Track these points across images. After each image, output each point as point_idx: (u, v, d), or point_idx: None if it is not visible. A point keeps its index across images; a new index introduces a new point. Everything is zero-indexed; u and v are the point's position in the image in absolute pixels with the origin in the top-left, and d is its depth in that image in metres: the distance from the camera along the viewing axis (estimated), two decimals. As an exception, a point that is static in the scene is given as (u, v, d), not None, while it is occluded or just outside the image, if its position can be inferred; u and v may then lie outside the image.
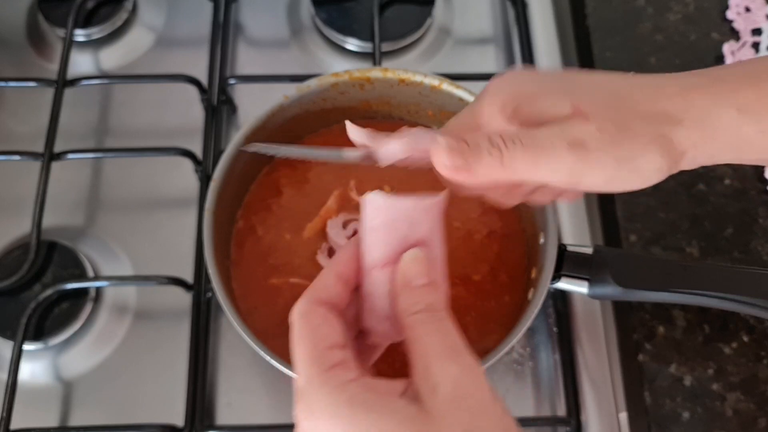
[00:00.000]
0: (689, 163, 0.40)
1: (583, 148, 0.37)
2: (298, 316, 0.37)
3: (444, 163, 0.37)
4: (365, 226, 0.38)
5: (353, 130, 0.41)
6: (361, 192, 0.59)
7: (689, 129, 0.38)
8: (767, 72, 0.39)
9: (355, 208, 0.59)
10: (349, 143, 0.63)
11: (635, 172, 0.38)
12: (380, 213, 0.38)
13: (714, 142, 0.39)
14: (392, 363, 0.48)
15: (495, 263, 0.58)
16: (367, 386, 0.33)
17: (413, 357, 0.35)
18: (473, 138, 0.37)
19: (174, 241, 0.65)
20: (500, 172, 0.37)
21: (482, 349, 0.54)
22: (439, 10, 0.76)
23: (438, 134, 0.38)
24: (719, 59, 0.68)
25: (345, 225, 0.58)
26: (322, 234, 0.58)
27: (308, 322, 0.36)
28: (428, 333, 0.35)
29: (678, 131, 0.38)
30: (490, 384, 0.34)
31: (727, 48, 0.68)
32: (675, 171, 0.39)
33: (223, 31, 0.74)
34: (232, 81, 0.70)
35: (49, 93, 0.69)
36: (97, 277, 0.63)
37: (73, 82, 0.69)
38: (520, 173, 0.37)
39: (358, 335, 0.40)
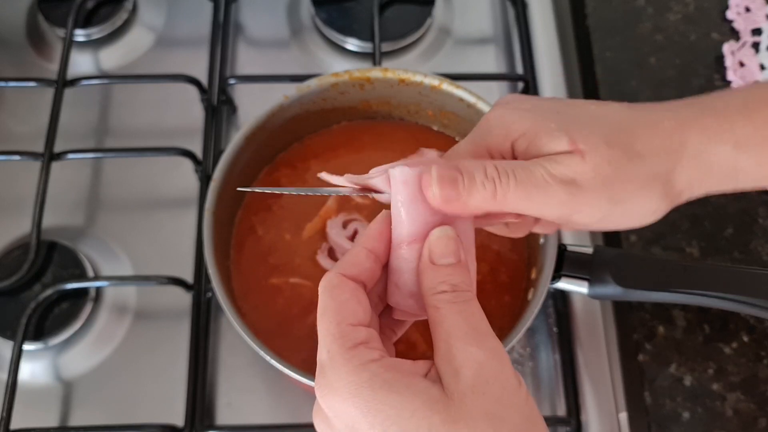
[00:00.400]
0: (685, 199, 0.40)
1: (576, 187, 0.37)
2: (326, 288, 0.35)
3: (434, 194, 0.36)
4: (393, 202, 0.37)
5: (333, 179, 0.40)
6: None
7: (686, 167, 0.38)
8: (761, 102, 0.39)
9: (355, 207, 0.59)
10: (348, 144, 0.63)
11: (629, 212, 0.38)
12: (406, 187, 0.37)
13: (710, 178, 0.39)
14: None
15: (495, 263, 0.58)
16: (389, 366, 0.32)
17: (436, 338, 0.34)
18: (468, 168, 0.37)
19: (174, 241, 0.65)
20: (492, 205, 0.37)
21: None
22: (439, 10, 0.76)
23: (433, 163, 0.37)
24: (719, 59, 0.68)
25: (345, 225, 0.58)
26: (322, 234, 0.58)
27: (336, 297, 0.35)
28: (452, 314, 0.34)
29: (676, 171, 0.38)
30: (514, 369, 0.34)
31: (727, 48, 0.68)
32: (670, 209, 0.39)
33: (223, 31, 0.74)
34: (232, 81, 0.70)
35: (49, 93, 0.69)
36: (97, 277, 0.63)
37: (73, 82, 0.69)
38: (512, 207, 0.37)
39: (384, 311, 0.39)
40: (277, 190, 0.41)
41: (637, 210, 0.38)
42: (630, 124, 0.39)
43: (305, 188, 0.41)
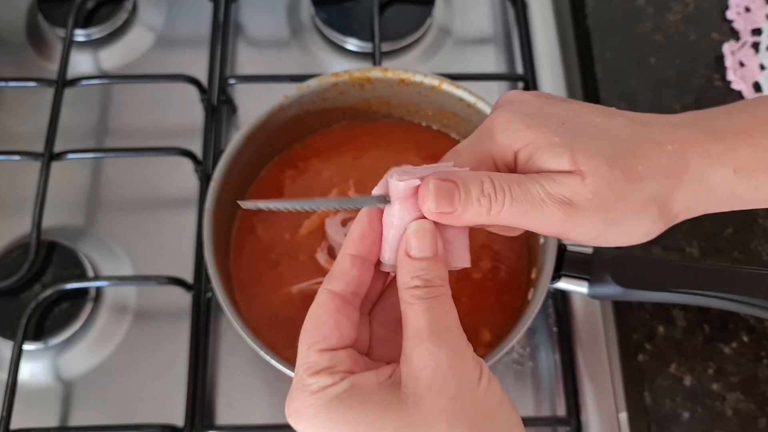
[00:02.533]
0: (680, 220, 0.40)
1: (573, 208, 0.37)
2: (312, 306, 0.37)
3: (430, 209, 0.36)
4: (387, 210, 0.37)
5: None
6: (360, 191, 0.59)
7: (685, 192, 0.38)
8: (765, 125, 0.39)
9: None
10: (348, 143, 0.63)
11: (624, 234, 0.38)
12: (399, 193, 0.37)
13: (707, 201, 0.39)
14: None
15: (495, 263, 0.58)
16: (347, 386, 0.34)
17: (404, 336, 0.35)
18: (465, 182, 0.37)
19: (174, 241, 0.65)
20: (486, 220, 0.37)
21: (482, 350, 0.54)
22: (439, 10, 0.76)
23: (431, 176, 0.37)
24: (719, 59, 0.68)
25: (344, 223, 0.58)
26: (320, 232, 0.58)
27: (314, 317, 0.36)
28: (420, 312, 0.34)
29: (674, 195, 0.38)
30: (476, 364, 0.34)
31: (727, 48, 0.69)
32: (664, 230, 0.39)
33: (223, 31, 0.74)
34: (232, 81, 0.70)
35: (49, 93, 0.69)
36: (97, 277, 0.63)
37: (73, 82, 0.69)
38: (505, 222, 0.37)
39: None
40: (277, 205, 0.40)
41: (632, 231, 0.38)
42: (634, 143, 0.38)
43: (302, 200, 0.40)
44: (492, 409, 0.34)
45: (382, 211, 0.37)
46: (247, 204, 0.38)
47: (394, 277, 0.37)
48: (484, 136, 0.40)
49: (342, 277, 0.37)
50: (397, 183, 0.36)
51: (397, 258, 0.37)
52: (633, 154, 0.38)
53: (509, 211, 0.37)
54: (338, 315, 0.36)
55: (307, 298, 0.56)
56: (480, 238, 0.59)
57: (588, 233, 0.38)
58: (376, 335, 0.39)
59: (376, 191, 0.38)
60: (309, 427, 0.34)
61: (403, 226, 0.37)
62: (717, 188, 0.39)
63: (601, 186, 0.37)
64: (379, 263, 0.38)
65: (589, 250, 0.53)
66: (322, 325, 0.36)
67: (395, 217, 0.37)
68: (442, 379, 0.33)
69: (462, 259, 0.38)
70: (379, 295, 0.39)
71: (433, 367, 0.33)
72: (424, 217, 0.37)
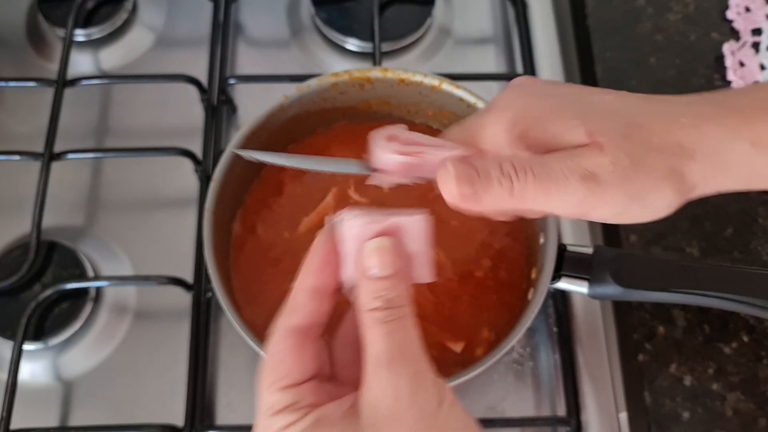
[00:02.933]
0: (697, 195, 0.39)
1: (595, 182, 0.36)
2: (268, 344, 0.36)
3: (451, 192, 0.35)
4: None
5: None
6: (360, 191, 0.59)
7: (702, 163, 0.38)
8: None
9: (354, 205, 0.59)
10: (349, 143, 0.63)
11: (645, 207, 0.38)
12: (354, 240, 0.36)
13: (725, 176, 0.39)
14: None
15: (496, 262, 0.58)
16: (312, 421, 0.33)
17: (364, 362, 0.34)
18: (483, 165, 0.36)
19: (174, 241, 0.65)
20: (508, 202, 0.36)
21: (482, 349, 0.54)
22: (439, 10, 0.76)
23: (448, 158, 0.36)
24: (719, 59, 0.68)
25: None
26: (319, 230, 0.58)
27: (272, 356, 0.35)
28: (379, 337, 0.33)
29: (690, 166, 0.37)
30: (436, 387, 0.33)
31: (727, 48, 0.69)
32: (682, 204, 0.39)
33: (223, 31, 0.74)
34: (232, 81, 0.70)
35: (49, 93, 0.69)
36: (97, 277, 0.63)
37: (73, 82, 0.69)
38: (530, 204, 0.36)
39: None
40: (269, 159, 0.39)
41: (653, 204, 0.37)
42: (647, 118, 0.38)
43: (294, 157, 0.39)
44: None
45: (336, 242, 0.36)
46: (243, 153, 0.37)
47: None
48: (483, 115, 0.39)
49: (300, 310, 0.36)
50: (351, 221, 0.35)
51: (358, 279, 0.35)
52: (647, 128, 0.37)
53: (533, 191, 0.35)
54: (298, 350, 0.35)
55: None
56: (480, 237, 0.59)
57: (611, 209, 0.37)
58: (341, 357, 0.38)
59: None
60: None
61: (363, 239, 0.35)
62: (734, 162, 0.38)
63: (620, 156, 0.36)
64: (338, 289, 0.37)
65: (590, 250, 0.53)
66: (282, 362, 0.35)
67: (354, 229, 0.35)
68: (401, 409, 0.32)
69: (425, 274, 0.37)
70: (339, 318, 0.38)
71: (393, 397, 0.32)
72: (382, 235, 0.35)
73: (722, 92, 0.40)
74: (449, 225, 0.58)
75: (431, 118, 0.63)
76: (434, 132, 0.64)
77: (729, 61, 0.68)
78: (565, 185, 0.36)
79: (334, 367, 0.38)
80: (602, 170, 0.36)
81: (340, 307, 0.38)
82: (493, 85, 0.73)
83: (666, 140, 0.37)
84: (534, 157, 0.37)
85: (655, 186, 0.37)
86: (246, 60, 0.75)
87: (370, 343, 0.34)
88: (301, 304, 0.36)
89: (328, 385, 0.36)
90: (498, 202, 0.36)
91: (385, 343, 0.33)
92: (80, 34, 0.74)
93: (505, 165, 0.36)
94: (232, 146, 0.56)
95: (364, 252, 0.35)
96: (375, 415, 0.33)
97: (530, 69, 0.71)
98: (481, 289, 0.57)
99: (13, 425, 0.56)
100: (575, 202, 0.36)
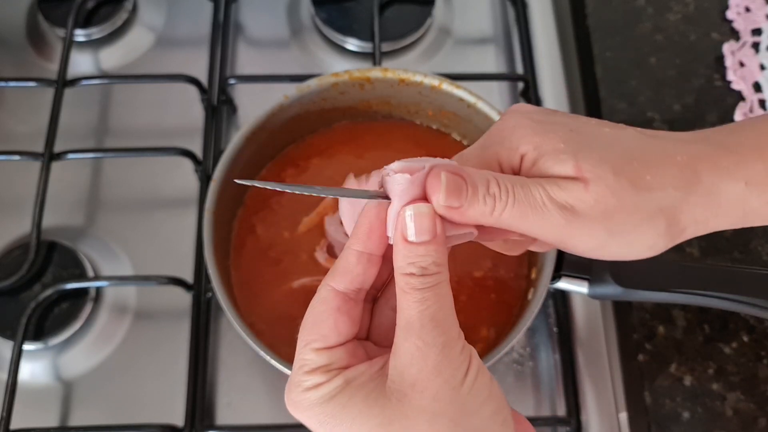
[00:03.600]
0: (688, 236, 0.39)
1: (573, 214, 0.36)
2: (313, 301, 0.36)
3: (438, 202, 0.36)
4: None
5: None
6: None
7: (694, 205, 0.38)
8: None
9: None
10: (349, 143, 0.63)
11: (626, 245, 0.38)
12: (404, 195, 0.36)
13: (717, 217, 0.39)
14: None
15: (496, 262, 0.58)
16: (339, 384, 0.34)
17: (396, 325, 0.34)
18: (473, 179, 0.36)
19: (174, 241, 0.65)
20: (488, 220, 0.36)
21: (482, 349, 0.54)
22: (439, 10, 0.76)
23: (442, 167, 0.36)
24: (719, 59, 0.68)
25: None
26: (319, 230, 0.58)
27: (313, 314, 0.36)
28: (413, 303, 0.34)
29: (682, 208, 0.37)
30: (462, 357, 0.34)
31: (727, 48, 0.69)
32: (671, 246, 0.39)
33: (223, 31, 0.74)
34: (232, 81, 0.70)
35: (49, 93, 0.69)
36: (97, 277, 0.63)
37: (73, 82, 0.69)
38: (507, 225, 0.37)
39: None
40: (277, 186, 0.40)
41: (636, 243, 0.38)
42: (643, 153, 0.38)
43: (304, 186, 0.40)
44: (477, 405, 0.34)
45: (387, 204, 0.36)
46: (243, 181, 0.38)
47: None
48: (491, 141, 0.40)
49: (347, 274, 0.36)
50: (396, 177, 0.35)
51: (394, 241, 0.36)
52: (642, 163, 0.37)
53: (510, 213, 0.36)
54: (338, 314, 0.36)
55: (309, 294, 0.56)
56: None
57: (588, 242, 0.37)
58: (382, 320, 0.39)
59: (371, 185, 0.37)
60: (303, 418, 0.35)
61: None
62: (728, 202, 0.38)
63: (605, 194, 0.36)
64: (386, 254, 0.37)
65: (589, 250, 0.53)
66: (321, 323, 0.36)
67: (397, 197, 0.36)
68: (426, 378, 0.33)
69: (468, 233, 0.37)
70: (387, 282, 0.39)
71: (419, 366, 0.33)
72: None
73: (717, 130, 0.40)
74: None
75: (431, 118, 0.63)
76: (434, 132, 0.64)
77: (729, 61, 0.68)
78: (543, 212, 0.36)
79: (375, 329, 0.39)
80: (582, 205, 0.36)
81: (386, 273, 0.38)
82: (493, 85, 0.73)
83: (659, 179, 0.37)
84: (521, 179, 0.37)
85: (639, 224, 0.37)
86: (246, 60, 0.75)
87: (402, 309, 0.34)
88: (347, 267, 0.36)
89: (365, 346, 0.37)
90: (479, 218, 0.36)
91: (417, 311, 0.34)
92: (80, 34, 0.74)
93: (492, 183, 0.36)
94: (233, 146, 0.56)
95: (403, 216, 0.36)
96: (401, 381, 0.33)
97: (530, 69, 0.72)
98: (480, 289, 0.57)
99: (13, 425, 0.56)
100: (553, 231, 0.37)
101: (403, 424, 0.33)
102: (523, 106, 0.41)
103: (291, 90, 0.59)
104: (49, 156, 0.65)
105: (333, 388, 0.34)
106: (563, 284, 0.53)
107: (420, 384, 0.33)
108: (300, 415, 0.35)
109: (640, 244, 0.38)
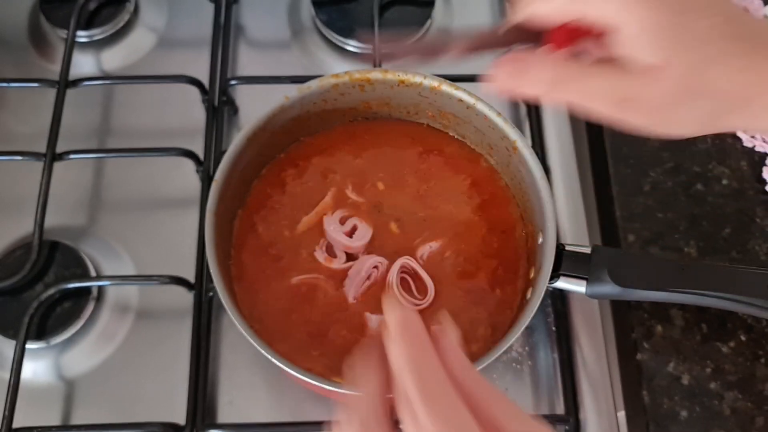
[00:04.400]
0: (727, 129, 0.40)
1: (631, 107, 0.38)
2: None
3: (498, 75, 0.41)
4: None
5: None
6: (358, 191, 0.60)
7: (749, 118, 0.38)
8: None
9: (351, 205, 0.59)
10: (349, 143, 0.63)
11: (668, 127, 0.39)
12: None
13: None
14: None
15: (494, 262, 0.58)
16: None
17: None
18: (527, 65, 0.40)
19: (176, 241, 0.66)
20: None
21: (480, 348, 0.55)
22: (439, 10, 0.77)
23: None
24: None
25: (342, 221, 0.58)
26: (319, 229, 0.59)
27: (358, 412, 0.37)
28: None
29: (733, 119, 0.39)
30: None
31: (726, 49, 0.69)
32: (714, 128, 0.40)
33: (224, 32, 0.74)
34: (233, 82, 0.71)
35: (51, 94, 0.69)
36: (99, 277, 0.64)
37: (75, 82, 0.70)
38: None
39: None
40: None
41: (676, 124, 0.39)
42: (725, 57, 0.38)
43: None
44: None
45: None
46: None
47: None
48: None
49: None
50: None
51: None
52: (720, 66, 0.37)
53: (567, 95, 0.39)
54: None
55: (308, 290, 0.56)
56: (480, 235, 0.59)
57: (638, 122, 0.39)
58: None
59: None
60: None
61: None
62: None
63: (673, 91, 0.37)
64: None
65: (588, 250, 0.53)
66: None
67: None
68: None
69: None
70: None
71: None
72: None
73: None
74: (449, 222, 0.59)
75: (431, 119, 0.63)
76: (434, 132, 0.64)
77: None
78: (600, 105, 0.38)
79: None
80: (645, 97, 0.37)
81: None
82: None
83: (729, 84, 0.37)
84: (581, 70, 0.39)
85: (683, 119, 0.38)
86: (247, 61, 0.75)
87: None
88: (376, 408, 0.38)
89: None
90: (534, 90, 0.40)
91: None
92: (82, 35, 0.75)
93: (547, 71, 0.40)
94: (234, 146, 0.56)
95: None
96: None
97: (529, 70, 0.72)
98: (479, 288, 0.57)
99: (16, 424, 0.56)
100: (605, 109, 0.38)
101: None
102: None
103: (292, 91, 0.59)
104: (51, 156, 0.65)
105: None
106: (562, 284, 0.53)
107: None
108: None
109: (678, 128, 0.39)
